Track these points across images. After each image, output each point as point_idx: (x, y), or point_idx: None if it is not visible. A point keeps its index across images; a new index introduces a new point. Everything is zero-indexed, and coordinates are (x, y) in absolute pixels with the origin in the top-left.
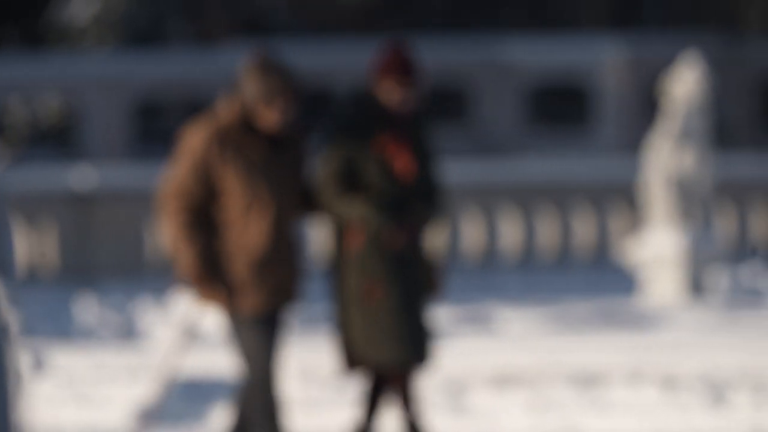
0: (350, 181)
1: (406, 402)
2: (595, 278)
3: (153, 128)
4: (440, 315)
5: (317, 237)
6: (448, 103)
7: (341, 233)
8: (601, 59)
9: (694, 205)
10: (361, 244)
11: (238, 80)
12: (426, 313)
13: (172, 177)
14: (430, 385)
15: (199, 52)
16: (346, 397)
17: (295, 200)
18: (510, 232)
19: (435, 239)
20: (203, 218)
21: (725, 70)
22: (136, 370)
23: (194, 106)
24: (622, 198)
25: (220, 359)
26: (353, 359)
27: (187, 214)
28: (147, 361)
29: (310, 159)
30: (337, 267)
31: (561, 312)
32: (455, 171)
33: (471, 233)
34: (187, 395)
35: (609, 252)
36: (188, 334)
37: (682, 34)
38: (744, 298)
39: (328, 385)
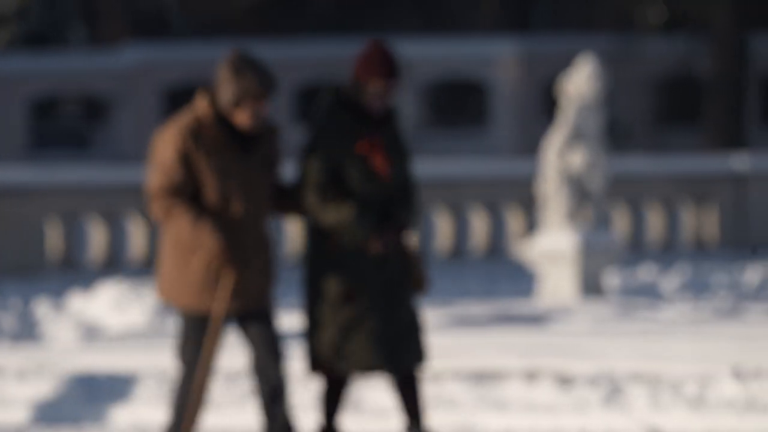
0: (333, 183)
1: (412, 405)
2: (491, 277)
3: (49, 127)
4: None
5: (291, 235)
6: None
7: (319, 234)
8: (496, 59)
9: (587, 203)
10: (340, 245)
11: (215, 78)
12: (412, 314)
13: (156, 175)
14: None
15: (95, 52)
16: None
17: (266, 200)
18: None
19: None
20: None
21: (620, 69)
22: (33, 370)
23: (90, 107)
24: (517, 197)
25: (119, 358)
26: (322, 361)
27: (185, 200)
28: (45, 360)
29: (282, 158)
30: (314, 267)
31: (457, 311)
32: None
33: None
34: (85, 394)
35: (505, 251)
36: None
37: (577, 33)
38: (639, 297)
39: (233, 384)
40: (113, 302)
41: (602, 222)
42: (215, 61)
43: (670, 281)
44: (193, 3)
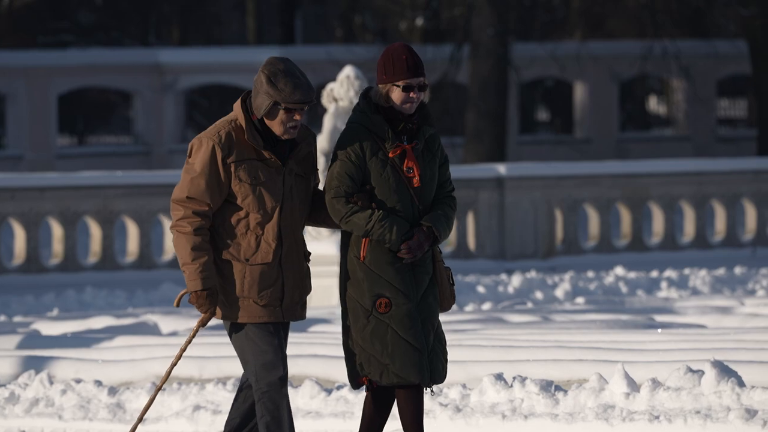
0: (362, 190)
1: (413, 420)
2: None
3: None
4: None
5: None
6: (114, 103)
7: (353, 240)
8: (259, 67)
9: None
10: (375, 254)
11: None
12: (439, 328)
13: (182, 182)
14: (93, 389)
15: None
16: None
17: (302, 209)
18: (131, 240)
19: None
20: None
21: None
22: None
23: None
24: None
25: None
26: (361, 372)
27: (199, 220)
28: None
29: (315, 165)
30: (350, 276)
31: (221, 320)
32: (117, 169)
33: (95, 235)
34: None
35: None
36: None
37: (339, 43)
38: None
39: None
40: None
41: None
42: None
43: None
44: None
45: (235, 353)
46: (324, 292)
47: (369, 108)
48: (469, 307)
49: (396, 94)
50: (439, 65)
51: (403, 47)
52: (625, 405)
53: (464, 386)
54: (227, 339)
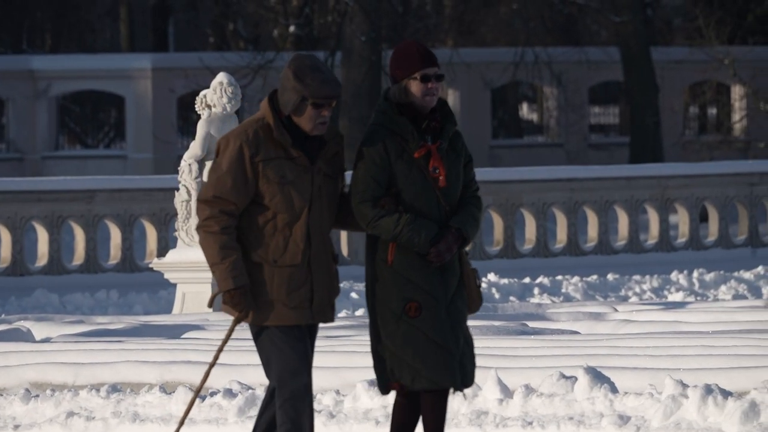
0: (388, 193)
1: (436, 427)
2: (125, 295)
3: None
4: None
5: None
6: None
7: (381, 245)
8: (132, 73)
9: None
10: (403, 256)
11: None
12: (467, 331)
13: (208, 182)
14: None
15: None
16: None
17: (331, 209)
18: (3, 246)
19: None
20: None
21: (255, 83)
22: None
23: None
24: (149, 212)
25: None
26: (392, 377)
27: (225, 219)
28: None
29: (343, 166)
30: (377, 280)
31: (94, 324)
32: None
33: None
34: None
35: (140, 265)
36: None
37: (213, 51)
38: None
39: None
40: None
41: None
42: None
43: None
44: None
45: (109, 359)
46: (195, 299)
47: (392, 109)
48: (342, 314)
49: (415, 87)
50: None
51: (412, 42)
52: (499, 411)
53: (338, 392)
54: (102, 345)
